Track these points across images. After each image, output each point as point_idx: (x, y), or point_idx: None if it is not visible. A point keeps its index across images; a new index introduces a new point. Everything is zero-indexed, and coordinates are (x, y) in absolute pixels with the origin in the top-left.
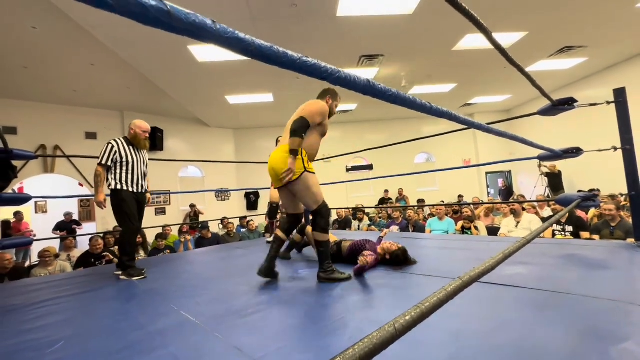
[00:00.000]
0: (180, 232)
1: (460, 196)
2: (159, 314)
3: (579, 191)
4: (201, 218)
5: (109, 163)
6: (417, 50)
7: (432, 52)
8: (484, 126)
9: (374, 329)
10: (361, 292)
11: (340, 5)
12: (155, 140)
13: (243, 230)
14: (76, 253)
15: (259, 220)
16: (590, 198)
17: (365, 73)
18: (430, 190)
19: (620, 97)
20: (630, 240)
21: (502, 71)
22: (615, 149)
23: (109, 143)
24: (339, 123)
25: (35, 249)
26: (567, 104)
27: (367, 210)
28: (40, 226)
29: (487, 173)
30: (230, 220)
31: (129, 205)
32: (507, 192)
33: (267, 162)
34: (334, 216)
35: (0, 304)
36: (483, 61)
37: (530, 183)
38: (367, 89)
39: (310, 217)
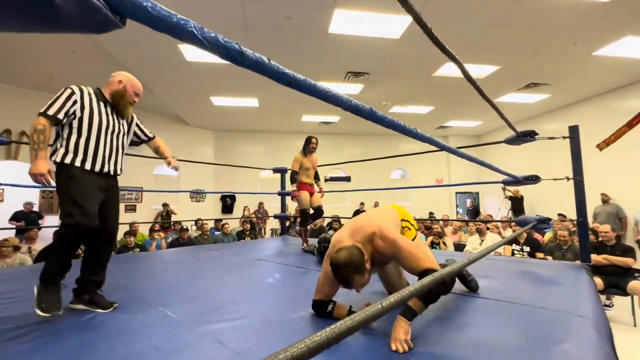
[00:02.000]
0: (152, 230)
1: (431, 213)
2: (137, 310)
3: (537, 215)
4: (173, 218)
5: (60, 116)
6: (400, 72)
7: (413, 76)
8: (458, 151)
9: None
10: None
11: (332, 22)
12: None
13: (217, 233)
14: (38, 246)
15: (234, 224)
16: (544, 221)
17: (351, 88)
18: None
19: (574, 134)
20: (578, 262)
21: (475, 99)
22: (568, 179)
23: (66, 88)
24: (320, 134)
25: None
26: (529, 135)
27: (342, 221)
28: None
29: (457, 193)
30: (204, 222)
31: (82, 188)
32: (474, 212)
33: (242, 166)
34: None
35: None
36: (459, 89)
37: (495, 205)
38: (370, 115)
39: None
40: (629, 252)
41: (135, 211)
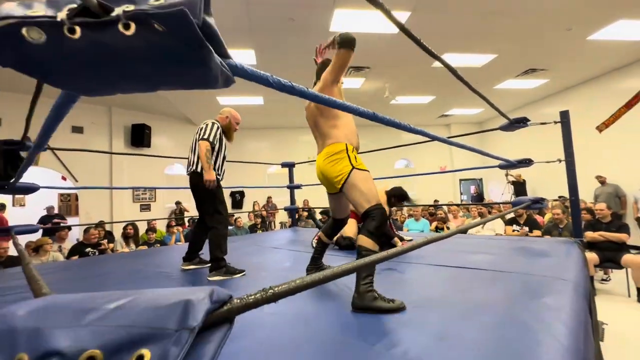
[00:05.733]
0: (169, 226)
1: (436, 201)
2: None
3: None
4: (186, 215)
5: (215, 142)
6: (400, 64)
7: (413, 67)
8: (446, 139)
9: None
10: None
11: (333, 22)
12: (143, 137)
13: (230, 227)
14: (67, 244)
15: (244, 218)
16: (538, 201)
17: (352, 82)
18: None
19: (564, 118)
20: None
21: (475, 88)
22: (560, 160)
23: (213, 123)
24: None
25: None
26: (521, 122)
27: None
28: (18, 220)
29: (460, 180)
30: None
31: (222, 193)
32: (478, 198)
33: (253, 162)
34: (317, 217)
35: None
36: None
37: (498, 190)
38: (373, 118)
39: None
40: (623, 228)
41: (150, 210)
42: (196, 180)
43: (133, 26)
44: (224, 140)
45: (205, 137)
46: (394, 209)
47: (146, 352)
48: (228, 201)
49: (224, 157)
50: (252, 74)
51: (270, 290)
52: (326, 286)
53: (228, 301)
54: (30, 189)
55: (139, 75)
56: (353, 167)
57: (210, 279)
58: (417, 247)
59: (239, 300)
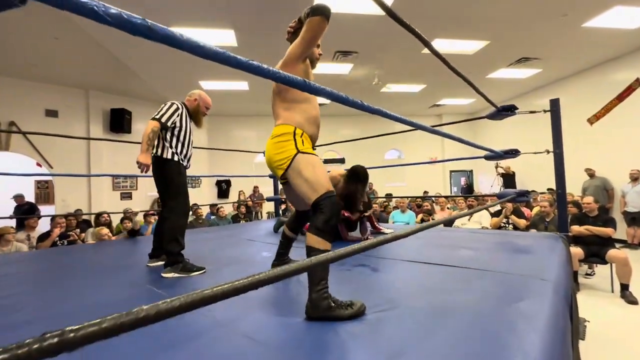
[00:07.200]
0: (146, 216)
1: (425, 192)
2: (128, 285)
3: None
4: None
5: (168, 124)
6: (389, 50)
7: (403, 53)
8: (430, 128)
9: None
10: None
11: (317, 0)
12: (123, 122)
13: (213, 217)
14: (36, 234)
15: (229, 208)
16: (523, 194)
17: (340, 68)
18: (398, 186)
19: (554, 107)
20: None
21: (466, 77)
22: (548, 152)
23: (172, 103)
24: None
25: None
26: (509, 110)
27: None
28: None
29: (451, 172)
30: (200, 207)
31: (185, 183)
32: (467, 190)
33: (236, 150)
34: None
35: None
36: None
37: (488, 182)
38: (336, 98)
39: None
40: (609, 222)
41: (131, 199)
42: (155, 164)
43: None
44: (189, 123)
45: (157, 117)
46: (378, 202)
47: None
48: (214, 190)
49: (190, 142)
50: None
51: (50, 339)
52: (284, 290)
53: None
54: None
55: None
56: (298, 151)
57: (164, 275)
58: (375, 246)
59: None
